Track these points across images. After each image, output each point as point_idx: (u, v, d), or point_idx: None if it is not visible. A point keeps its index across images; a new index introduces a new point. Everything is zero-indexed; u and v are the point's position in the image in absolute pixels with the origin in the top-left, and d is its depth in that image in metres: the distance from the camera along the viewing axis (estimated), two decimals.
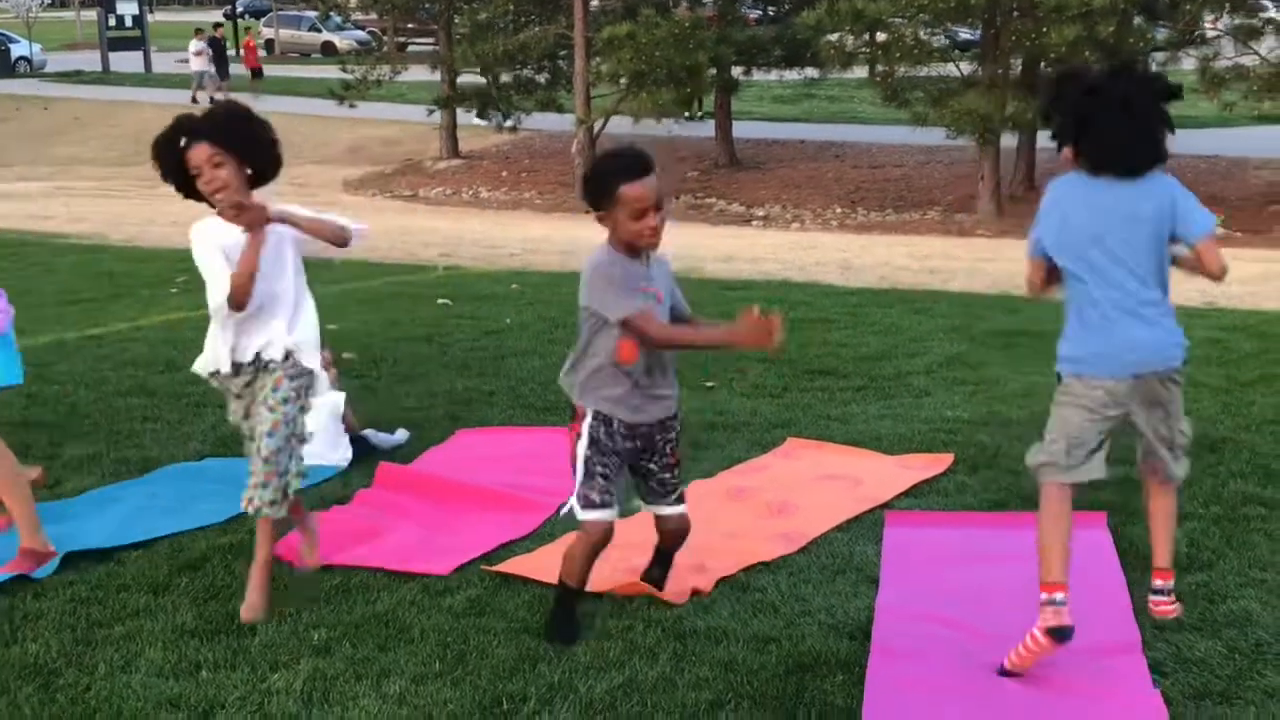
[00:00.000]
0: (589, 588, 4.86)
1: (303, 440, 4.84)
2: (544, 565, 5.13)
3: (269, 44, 54.88)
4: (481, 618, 4.71)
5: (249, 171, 4.67)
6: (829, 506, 5.84)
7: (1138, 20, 21.38)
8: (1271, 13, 23.09)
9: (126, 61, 45.78)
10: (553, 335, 9.56)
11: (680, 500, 4.76)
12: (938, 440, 6.81)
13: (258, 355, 4.75)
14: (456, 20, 29.43)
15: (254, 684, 4.20)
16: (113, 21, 48.18)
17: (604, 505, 4.43)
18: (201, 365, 4.85)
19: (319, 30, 55.25)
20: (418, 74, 31.75)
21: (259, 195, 4.72)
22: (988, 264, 13.71)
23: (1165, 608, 4.62)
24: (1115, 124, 4.26)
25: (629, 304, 4.30)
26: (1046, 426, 4.46)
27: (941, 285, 12.06)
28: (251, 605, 4.72)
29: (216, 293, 4.61)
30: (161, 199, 22.65)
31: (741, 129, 28.63)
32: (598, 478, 4.42)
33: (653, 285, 4.40)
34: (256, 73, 40.49)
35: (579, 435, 4.43)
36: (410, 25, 44.38)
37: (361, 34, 52.26)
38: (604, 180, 4.31)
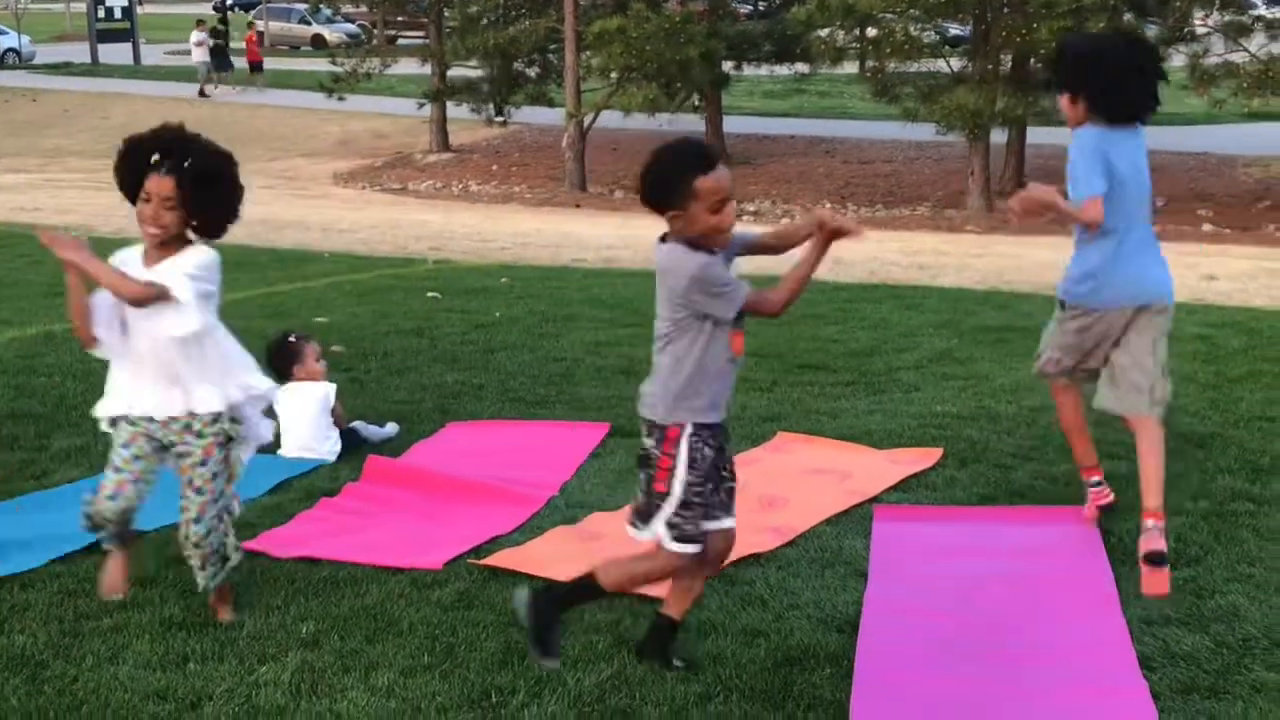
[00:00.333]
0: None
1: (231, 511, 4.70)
2: (533, 558, 5.13)
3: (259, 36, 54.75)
4: (470, 611, 4.71)
5: (193, 223, 4.44)
6: (818, 500, 5.85)
7: (1128, 16, 21.42)
8: (1261, 10, 23.15)
9: (116, 53, 45.66)
10: (542, 329, 9.56)
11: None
12: (927, 435, 6.82)
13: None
14: (447, 14, 29.39)
15: (242, 676, 4.19)
16: (102, 13, 47.99)
17: (696, 539, 4.06)
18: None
19: (309, 23, 55.14)
20: (408, 67, 31.70)
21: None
22: (977, 259, 13.72)
23: (1156, 543, 4.94)
24: (1131, 79, 5.07)
25: (740, 293, 4.02)
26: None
27: (931, 281, 12.06)
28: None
29: None
30: None
31: (732, 124, 28.63)
32: (695, 507, 4.04)
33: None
34: (257, 65, 40.39)
35: (672, 457, 4.03)
36: (400, 18, 44.34)
37: (351, 27, 52.17)
38: (676, 176, 3.98)
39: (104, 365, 4.60)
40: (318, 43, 51.94)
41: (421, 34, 36.25)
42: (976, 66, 21.07)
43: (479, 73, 27.99)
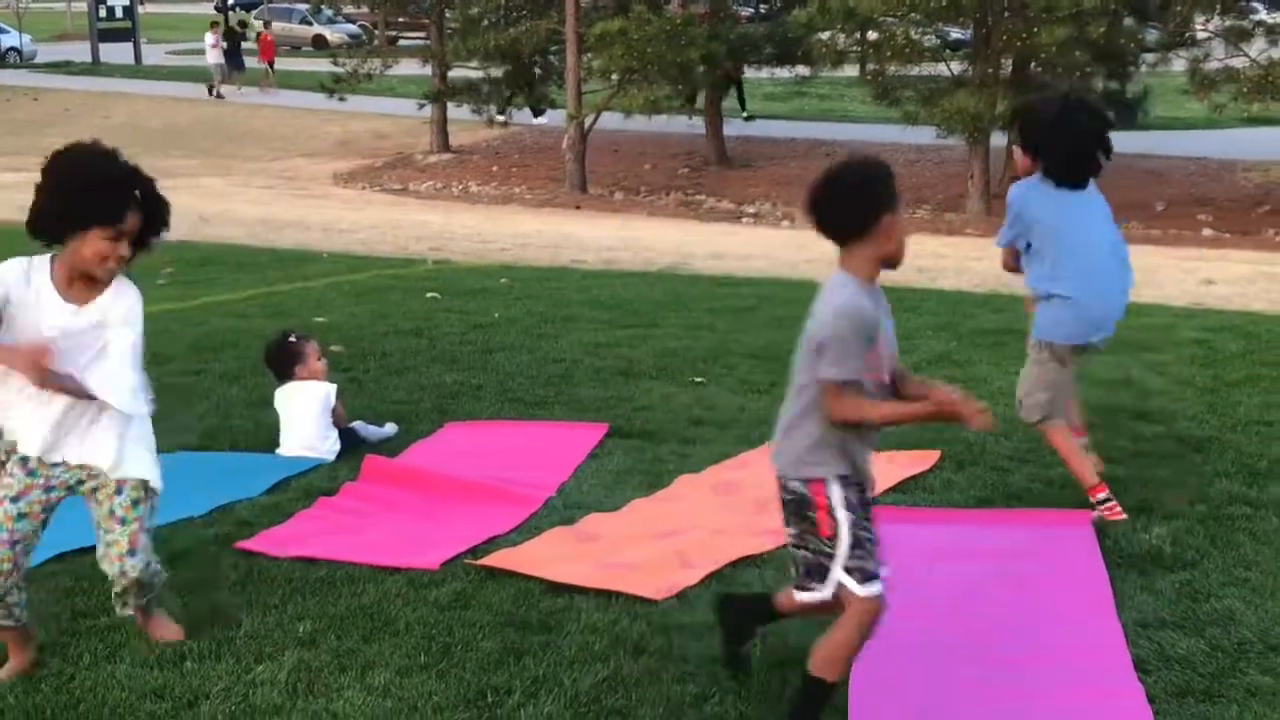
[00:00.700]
0: (576, 581, 4.87)
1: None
2: (529, 559, 5.14)
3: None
4: (466, 611, 4.71)
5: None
6: None
7: (1128, 21, 21.42)
8: (1262, 15, 23.14)
9: (117, 53, 45.66)
10: (541, 330, 9.56)
11: None
12: (924, 437, 6.81)
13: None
14: (448, 15, 29.40)
15: (238, 675, 4.20)
16: (103, 13, 47.98)
17: (878, 575, 3.79)
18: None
19: (310, 23, 55.13)
20: (408, 68, 31.71)
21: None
22: (976, 262, 13.72)
23: (1116, 513, 5.51)
24: (1089, 149, 5.60)
25: (852, 366, 3.75)
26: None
27: (930, 283, 12.06)
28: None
29: None
30: None
31: (732, 126, 28.63)
32: (866, 543, 3.78)
33: (887, 331, 3.86)
34: (271, 65, 40.39)
35: (829, 511, 3.78)
36: (401, 19, 44.36)
37: (353, 27, 52.16)
38: (878, 200, 3.72)
39: None
40: (319, 43, 51.93)
41: (423, 35, 36.25)
42: (977, 70, 21.07)
43: (483, 73, 27.95)
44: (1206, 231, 19.89)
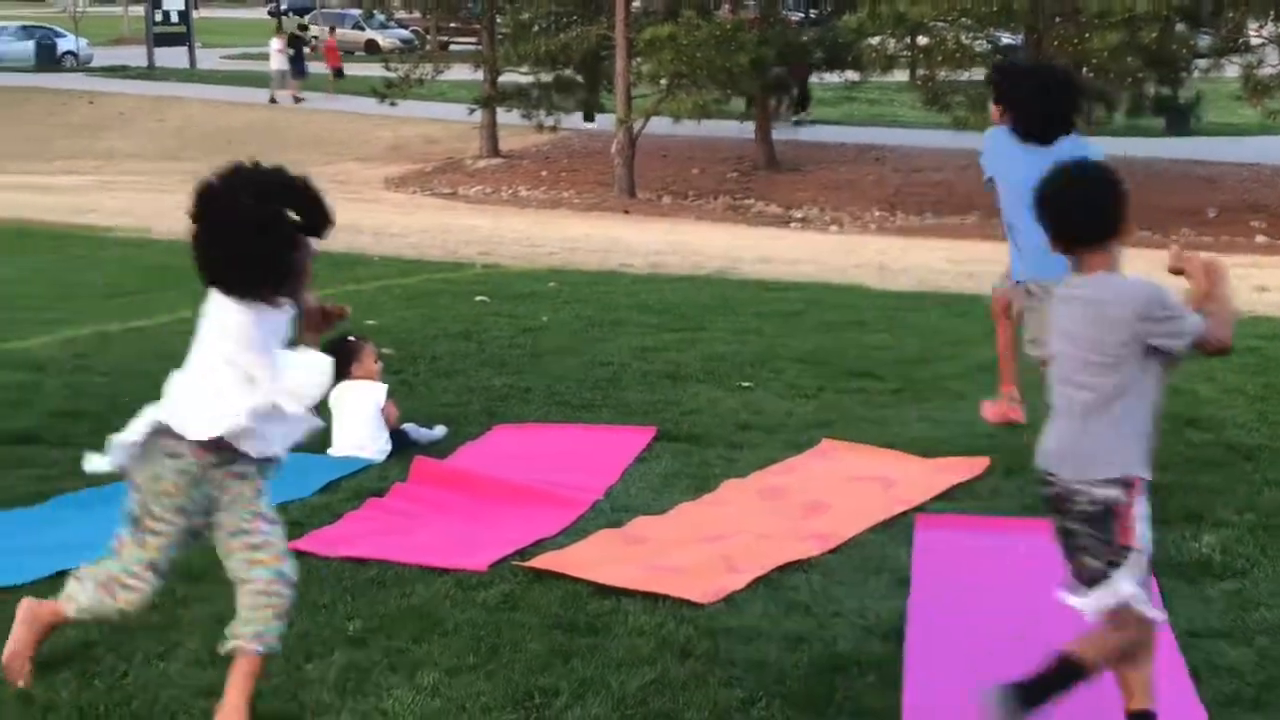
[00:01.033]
0: (623, 584, 4.89)
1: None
2: (577, 561, 5.16)
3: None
4: (515, 612, 4.74)
5: None
6: (862, 508, 5.85)
7: (1180, 27, 21.25)
8: None
9: (171, 57, 46.08)
10: (589, 334, 9.60)
11: None
12: (973, 444, 6.80)
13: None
14: (499, 20, 29.51)
15: (289, 673, 4.24)
16: (159, 17, 48.44)
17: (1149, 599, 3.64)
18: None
19: (362, 28, 55.46)
20: (459, 73, 31.84)
21: None
22: None
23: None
24: (1041, 106, 6.27)
25: (1193, 317, 3.66)
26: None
27: (980, 289, 11.98)
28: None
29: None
30: None
31: (780, 130, 28.59)
32: (1147, 563, 3.65)
33: None
34: (338, 72, 40.64)
35: (1131, 516, 3.60)
36: (453, 24, 44.56)
37: (405, 32, 52.44)
38: (1123, 203, 3.70)
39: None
40: (371, 48, 52.23)
41: (474, 40, 36.38)
42: None
43: (533, 78, 28.02)
44: (1260, 238, 19.70)
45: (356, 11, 51.66)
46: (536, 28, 28.02)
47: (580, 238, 16.87)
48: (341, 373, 6.81)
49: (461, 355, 8.84)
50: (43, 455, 6.56)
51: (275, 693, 4.11)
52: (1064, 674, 3.63)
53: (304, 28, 44.62)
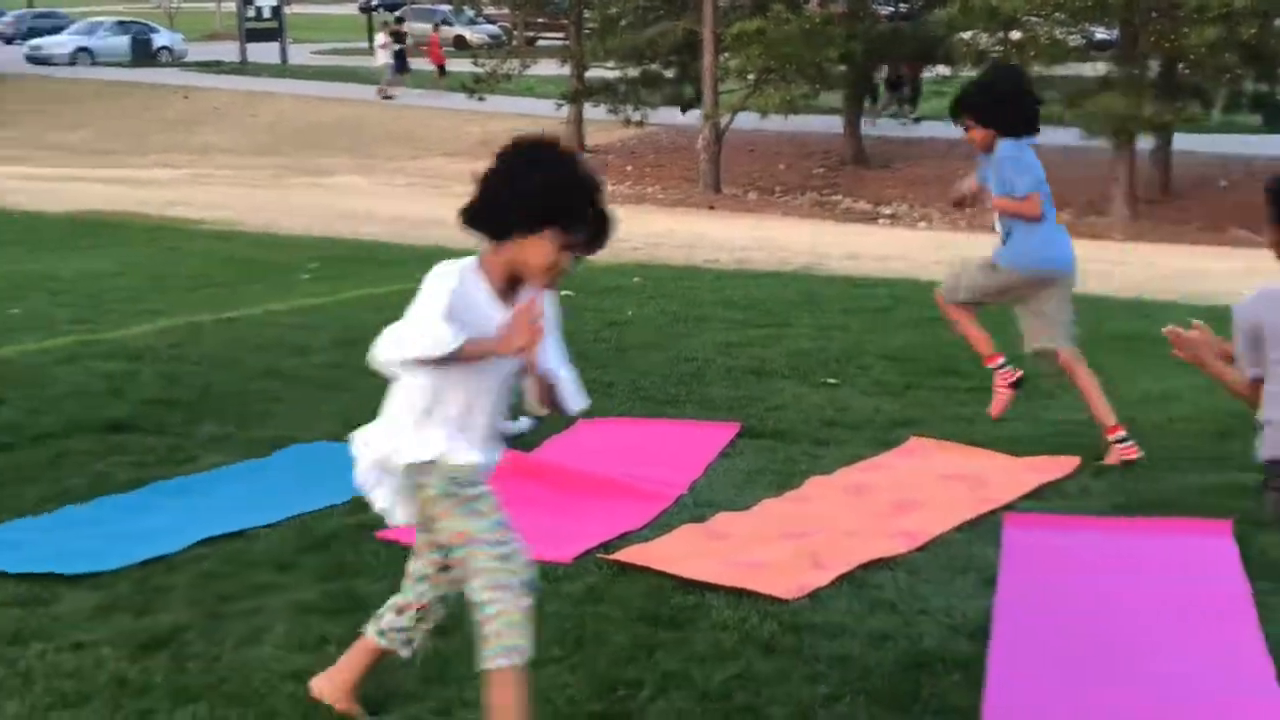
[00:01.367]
0: (707, 579, 4.89)
1: None
2: (661, 555, 5.17)
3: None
4: (599, 605, 4.75)
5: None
6: (950, 506, 5.80)
7: (1279, 22, 20.85)
8: None
9: (264, 52, 46.68)
10: (674, 329, 9.60)
11: None
12: (1062, 443, 6.72)
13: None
14: (586, 15, 29.59)
15: None
16: (251, 13, 49.08)
17: None
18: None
19: (450, 24, 55.83)
20: (547, 68, 31.97)
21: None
22: (1118, 267, 13.46)
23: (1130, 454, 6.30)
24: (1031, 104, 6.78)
25: None
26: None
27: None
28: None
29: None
30: (296, 189, 23.09)
31: (869, 126, 28.44)
32: None
33: None
34: (441, 69, 40.91)
35: None
36: (540, 20, 44.67)
37: (493, 28, 52.71)
38: None
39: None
40: (460, 44, 52.56)
41: (561, 35, 36.51)
42: (1123, 71, 20.66)
43: (619, 73, 28.07)
44: None
45: (445, 7, 51.92)
46: (623, 22, 28.05)
47: (665, 233, 16.87)
48: None
49: None
50: (138, 443, 6.68)
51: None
52: None
53: (400, 20, 44.82)
